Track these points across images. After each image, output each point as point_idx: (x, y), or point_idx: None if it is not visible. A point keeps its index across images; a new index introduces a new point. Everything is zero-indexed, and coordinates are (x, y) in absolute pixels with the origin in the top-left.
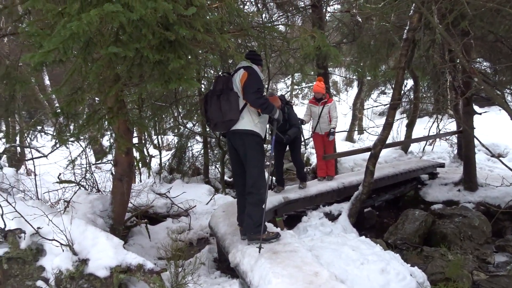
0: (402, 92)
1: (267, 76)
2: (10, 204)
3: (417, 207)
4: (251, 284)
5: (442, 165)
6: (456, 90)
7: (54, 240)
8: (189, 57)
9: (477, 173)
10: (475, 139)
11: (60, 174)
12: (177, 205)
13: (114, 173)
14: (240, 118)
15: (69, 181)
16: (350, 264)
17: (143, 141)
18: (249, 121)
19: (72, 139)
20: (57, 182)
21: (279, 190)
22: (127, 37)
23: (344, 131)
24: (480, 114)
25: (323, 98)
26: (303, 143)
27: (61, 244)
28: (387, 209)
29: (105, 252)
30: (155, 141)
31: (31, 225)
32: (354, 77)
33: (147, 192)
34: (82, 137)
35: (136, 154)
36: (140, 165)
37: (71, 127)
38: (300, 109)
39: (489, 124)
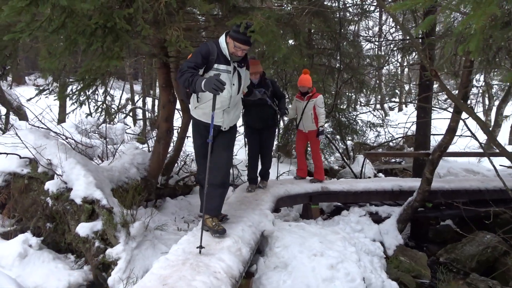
0: None
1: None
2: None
3: (508, 233)
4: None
5: None
6: None
7: (50, 169)
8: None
9: None
10: None
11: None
12: (239, 176)
13: (156, 135)
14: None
15: (140, 138)
16: (304, 252)
17: None
18: (192, 105)
19: None
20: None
21: (253, 189)
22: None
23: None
24: None
25: (308, 92)
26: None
27: (56, 173)
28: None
29: (81, 186)
30: None
31: (43, 158)
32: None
33: None
34: None
35: None
36: None
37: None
38: None
39: None
